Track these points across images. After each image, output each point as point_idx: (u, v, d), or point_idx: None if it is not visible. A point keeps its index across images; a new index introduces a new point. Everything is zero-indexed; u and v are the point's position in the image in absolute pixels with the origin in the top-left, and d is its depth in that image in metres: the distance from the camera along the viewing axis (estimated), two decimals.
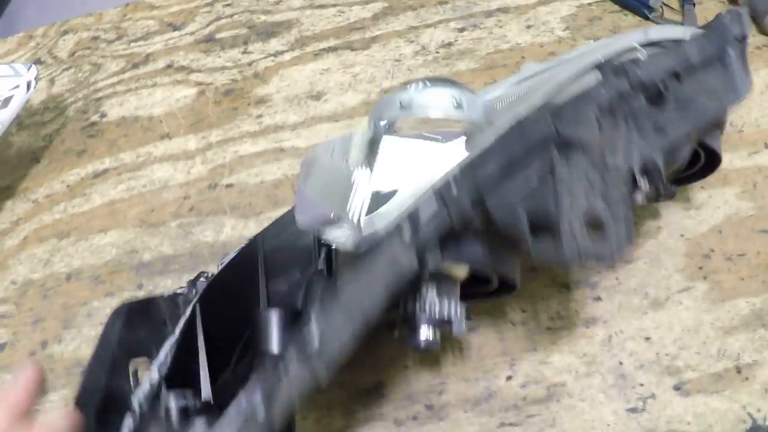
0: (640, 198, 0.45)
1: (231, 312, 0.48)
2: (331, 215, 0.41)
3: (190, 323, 0.47)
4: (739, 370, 0.54)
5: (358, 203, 0.40)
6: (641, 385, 0.53)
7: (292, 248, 0.51)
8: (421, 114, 0.42)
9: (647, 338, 0.55)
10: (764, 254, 0.58)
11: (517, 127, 0.39)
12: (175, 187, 0.69)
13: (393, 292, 0.37)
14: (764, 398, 0.53)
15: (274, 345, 0.44)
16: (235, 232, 0.64)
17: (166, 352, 0.46)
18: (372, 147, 0.42)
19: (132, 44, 0.84)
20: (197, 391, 0.44)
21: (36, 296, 0.66)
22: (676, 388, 0.53)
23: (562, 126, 0.39)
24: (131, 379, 0.47)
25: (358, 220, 0.40)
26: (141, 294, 0.64)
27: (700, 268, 0.57)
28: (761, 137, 0.63)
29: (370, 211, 0.40)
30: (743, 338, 0.55)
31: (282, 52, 0.77)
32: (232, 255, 0.53)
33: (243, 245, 0.53)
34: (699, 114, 0.46)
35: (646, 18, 0.72)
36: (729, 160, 0.62)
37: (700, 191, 0.61)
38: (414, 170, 0.40)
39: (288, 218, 0.54)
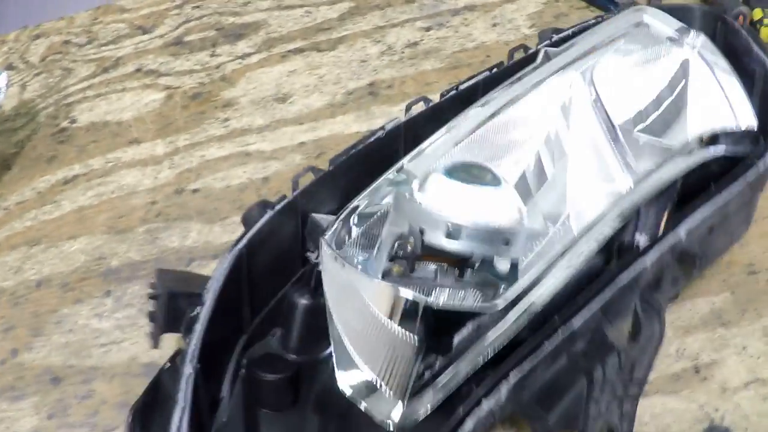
0: None
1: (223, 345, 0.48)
2: (375, 382, 0.38)
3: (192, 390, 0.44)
4: (697, 370, 0.54)
5: (403, 372, 0.37)
6: None
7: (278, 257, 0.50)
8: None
9: None
10: (728, 252, 0.58)
11: (569, 337, 0.40)
12: (143, 192, 0.70)
13: None
14: (722, 398, 0.53)
15: None
16: (200, 237, 0.65)
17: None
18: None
19: (102, 48, 0.84)
20: None
21: (6, 304, 0.66)
22: None
23: (608, 324, 0.40)
24: None
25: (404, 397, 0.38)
26: (109, 302, 0.64)
27: None
28: None
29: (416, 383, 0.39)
30: (702, 338, 0.55)
31: (249, 54, 0.77)
32: (217, 282, 0.46)
33: (225, 267, 0.46)
34: (713, 256, 0.47)
35: None
36: None
37: None
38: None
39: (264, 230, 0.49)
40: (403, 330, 0.36)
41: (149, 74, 0.79)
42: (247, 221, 0.48)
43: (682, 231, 0.45)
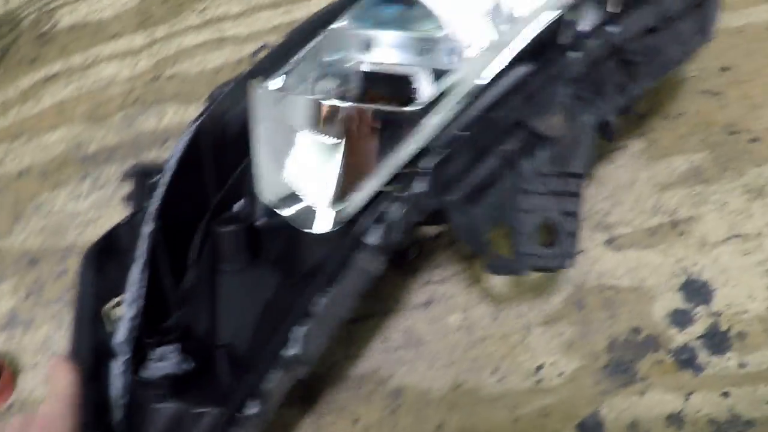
0: None
1: (187, 212, 0.47)
2: (299, 196, 0.40)
3: (150, 246, 0.45)
4: (675, 225, 0.52)
5: (324, 183, 0.38)
6: None
7: (240, 130, 0.49)
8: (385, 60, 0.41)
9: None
10: (704, 113, 0.57)
11: (486, 120, 0.39)
12: (121, 82, 0.69)
13: (363, 293, 0.39)
14: (701, 252, 0.52)
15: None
16: (176, 117, 0.64)
17: (133, 284, 0.44)
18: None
19: None
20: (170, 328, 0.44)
21: None
22: (608, 242, 0.52)
23: (532, 114, 0.39)
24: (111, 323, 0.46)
25: (330, 205, 0.38)
26: (86, 184, 0.64)
27: (637, 127, 0.56)
28: None
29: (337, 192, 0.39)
30: (681, 194, 0.53)
31: None
32: (178, 151, 0.48)
33: (187, 137, 0.48)
34: (664, 66, 0.45)
35: None
36: None
37: None
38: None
39: (225, 103, 0.50)
40: (326, 133, 0.36)
41: None
42: (212, 99, 0.48)
43: (612, 27, 0.42)
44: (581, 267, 0.51)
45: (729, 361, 0.47)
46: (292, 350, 0.38)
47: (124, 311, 0.43)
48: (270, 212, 0.46)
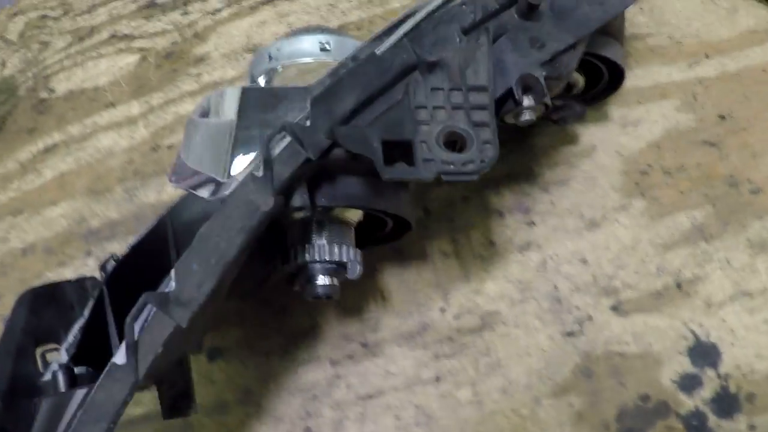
0: (527, 115, 0.43)
1: (142, 290, 0.48)
2: (199, 173, 0.40)
3: (99, 305, 0.46)
4: (679, 286, 0.52)
5: (227, 159, 0.39)
6: (577, 308, 0.52)
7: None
8: (289, 63, 0.42)
9: (583, 260, 0.54)
10: (705, 165, 0.56)
11: (375, 57, 0.38)
12: (120, 153, 0.70)
13: (251, 232, 0.37)
14: (707, 314, 0.52)
15: None
16: (176, 191, 0.64)
17: (75, 333, 0.46)
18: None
19: (78, 18, 0.84)
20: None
21: None
22: (614, 308, 0.52)
23: (422, 50, 0.38)
24: (40, 364, 0.47)
25: (225, 175, 0.39)
26: (90, 262, 0.65)
27: (637, 184, 0.56)
28: (702, 48, 0.61)
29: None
30: (684, 253, 0.53)
31: (220, 10, 0.76)
32: (141, 234, 0.52)
33: (152, 223, 0.52)
34: (581, 23, 0.44)
35: None
36: (667, 73, 0.60)
37: (637, 106, 0.59)
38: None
39: None
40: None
41: (123, 39, 0.79)
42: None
43: None
44: (588, 335, 0.51)
45: (739, 424, 0.47)
46: (166, 288, 0.36)
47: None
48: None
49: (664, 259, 0.53)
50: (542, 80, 0.42)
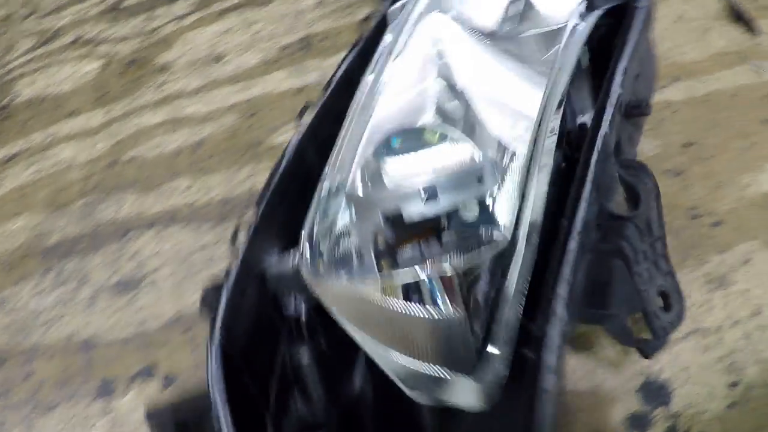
0: None
1: None
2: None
3: None
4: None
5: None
6: None
7: None
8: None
9: None
10: (669, 195, 0.55)
11: (583, 229, 0.39)
12: (80, 165, 0.69)
13: None
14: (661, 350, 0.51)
15: None
16: (134, 207, 0.64)
17: None
18: None
19: (43, 19, 0.82)
20: None
21: None
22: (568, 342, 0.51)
23: (607, 204, 0.40)
24: None
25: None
26: (49, 278, 0.64)
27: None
28: (672, 70, 0.59)
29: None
30: None
31: (186, 15, 0.75)
32: None
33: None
34: (644, 106, 0.44)
35: None
36: None
37: None
38: None
39: None
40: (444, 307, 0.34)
41: (87, 43, 0.77)
42: (207, 305, 0.44)
43: (616, 84, 0.43)
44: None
45: None
46: None
47: None
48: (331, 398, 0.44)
49: None
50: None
